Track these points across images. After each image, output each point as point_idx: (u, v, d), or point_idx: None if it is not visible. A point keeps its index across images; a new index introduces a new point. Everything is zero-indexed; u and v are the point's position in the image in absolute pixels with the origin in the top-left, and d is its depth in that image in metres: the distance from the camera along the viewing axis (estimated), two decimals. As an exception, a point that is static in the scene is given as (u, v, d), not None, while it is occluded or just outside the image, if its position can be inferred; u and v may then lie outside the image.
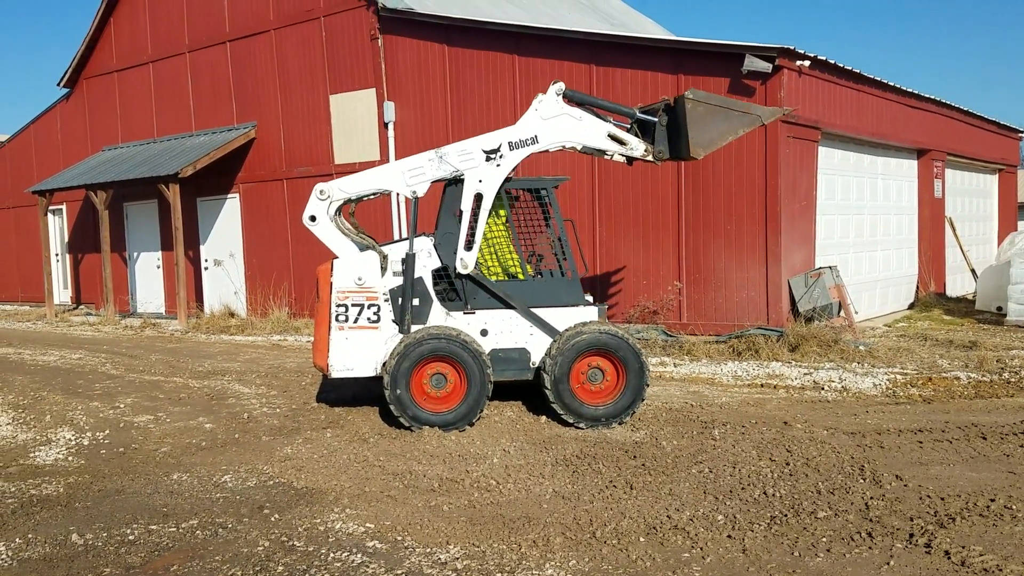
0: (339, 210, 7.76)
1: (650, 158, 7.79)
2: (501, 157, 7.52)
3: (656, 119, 7.74)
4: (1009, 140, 20.77)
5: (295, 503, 5.46)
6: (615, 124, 7.81)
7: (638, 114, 7.87)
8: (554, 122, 7.60)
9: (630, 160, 7.99)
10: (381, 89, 14.95)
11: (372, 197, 7.78)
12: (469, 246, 7.44)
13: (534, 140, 7.58)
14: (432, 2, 15.71)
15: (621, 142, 7.74)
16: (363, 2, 15.00)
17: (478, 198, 7.50)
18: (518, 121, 7.67)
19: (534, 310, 7.50)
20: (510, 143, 7.54)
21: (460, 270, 7.42)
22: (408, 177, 7.56)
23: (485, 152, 7.51)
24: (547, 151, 7.79)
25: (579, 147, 7.80)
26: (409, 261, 7.41)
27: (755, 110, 7.91)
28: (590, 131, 7.70)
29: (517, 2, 21.33)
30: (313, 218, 7.59)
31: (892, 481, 5.42)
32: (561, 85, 7.62)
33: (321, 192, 7.58)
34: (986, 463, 5.80)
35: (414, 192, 7.56)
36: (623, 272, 12.52)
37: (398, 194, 7.50)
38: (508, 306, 7.51)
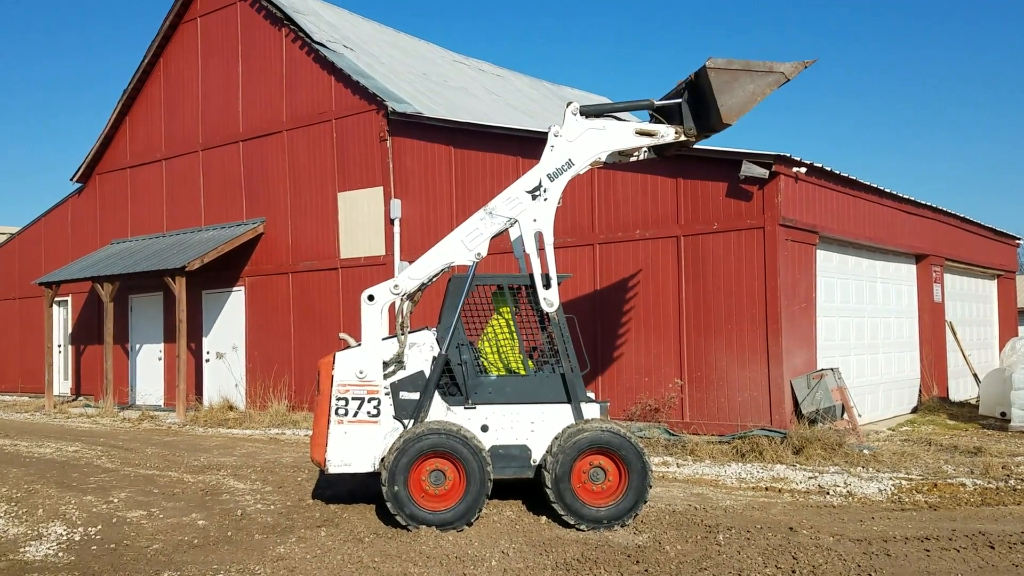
0: (411, 296, 7.76)
1: (683, 138, 7.99)
2: (545, 191, 7.70)
3: (680, 100, 7.94)
4: (1007, 247, 21.06)
5: (287, 604, 5.30)
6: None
7: (656, 103, 8.09)
8: (581, 140, 7.81)
9: (660, 152, 8.10)
10: (388, 187, 15.32)
11: (437, 277, 7.79)
12: (547, 284, 7.56)
13: (569, 164, 7.79)
14: (440, 106, 16.28)
15: (650, 134, 7.92)
16: (373, 107, 15.55)
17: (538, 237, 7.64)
18: (543, 155, 7.82)
19: (539, 405, 7.47)
20: (548, 175, 7.73)
21: (547, 309, 7.53)
22: (468, 242, 7.66)
23: (528, 192, 7.69)
24: (579, 174, 7.93)
25: (604, 156, 7.95)
26: (439, 360, 7.44)
27: (778, 68, 7.85)
28: (618, 135, 7.89)
29: (521, 108, 22.07)
30: (371, 298, 7.56)
31: (900, 590, 5.28)
32: (576, 104, 7.87)
33: (395, 287, 7.59)
34: (995, 573, 5.66)
35: (478, 254, 7.66)
36: (624, 369, 12.50)
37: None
38: (567, 396, 7.48)
